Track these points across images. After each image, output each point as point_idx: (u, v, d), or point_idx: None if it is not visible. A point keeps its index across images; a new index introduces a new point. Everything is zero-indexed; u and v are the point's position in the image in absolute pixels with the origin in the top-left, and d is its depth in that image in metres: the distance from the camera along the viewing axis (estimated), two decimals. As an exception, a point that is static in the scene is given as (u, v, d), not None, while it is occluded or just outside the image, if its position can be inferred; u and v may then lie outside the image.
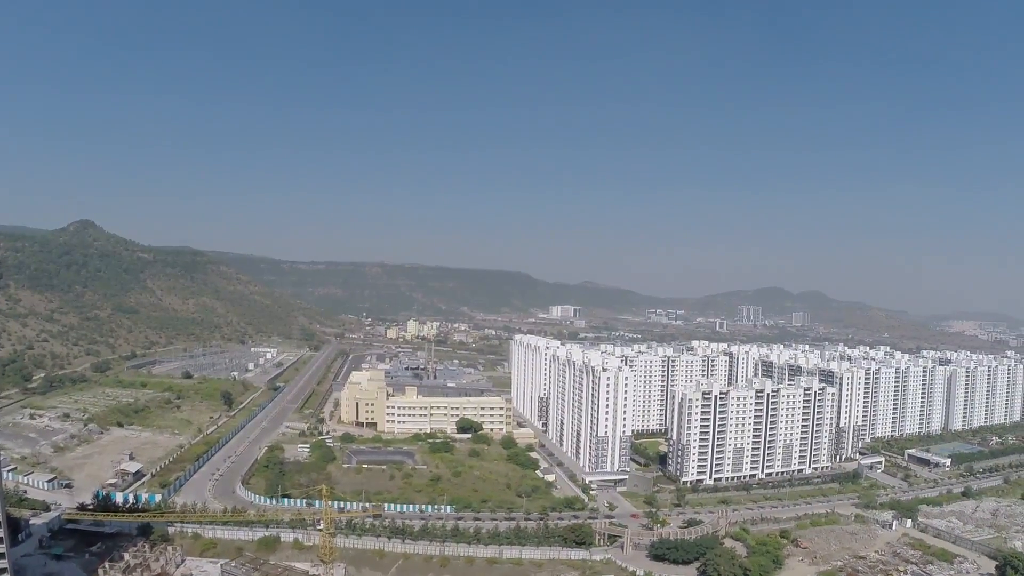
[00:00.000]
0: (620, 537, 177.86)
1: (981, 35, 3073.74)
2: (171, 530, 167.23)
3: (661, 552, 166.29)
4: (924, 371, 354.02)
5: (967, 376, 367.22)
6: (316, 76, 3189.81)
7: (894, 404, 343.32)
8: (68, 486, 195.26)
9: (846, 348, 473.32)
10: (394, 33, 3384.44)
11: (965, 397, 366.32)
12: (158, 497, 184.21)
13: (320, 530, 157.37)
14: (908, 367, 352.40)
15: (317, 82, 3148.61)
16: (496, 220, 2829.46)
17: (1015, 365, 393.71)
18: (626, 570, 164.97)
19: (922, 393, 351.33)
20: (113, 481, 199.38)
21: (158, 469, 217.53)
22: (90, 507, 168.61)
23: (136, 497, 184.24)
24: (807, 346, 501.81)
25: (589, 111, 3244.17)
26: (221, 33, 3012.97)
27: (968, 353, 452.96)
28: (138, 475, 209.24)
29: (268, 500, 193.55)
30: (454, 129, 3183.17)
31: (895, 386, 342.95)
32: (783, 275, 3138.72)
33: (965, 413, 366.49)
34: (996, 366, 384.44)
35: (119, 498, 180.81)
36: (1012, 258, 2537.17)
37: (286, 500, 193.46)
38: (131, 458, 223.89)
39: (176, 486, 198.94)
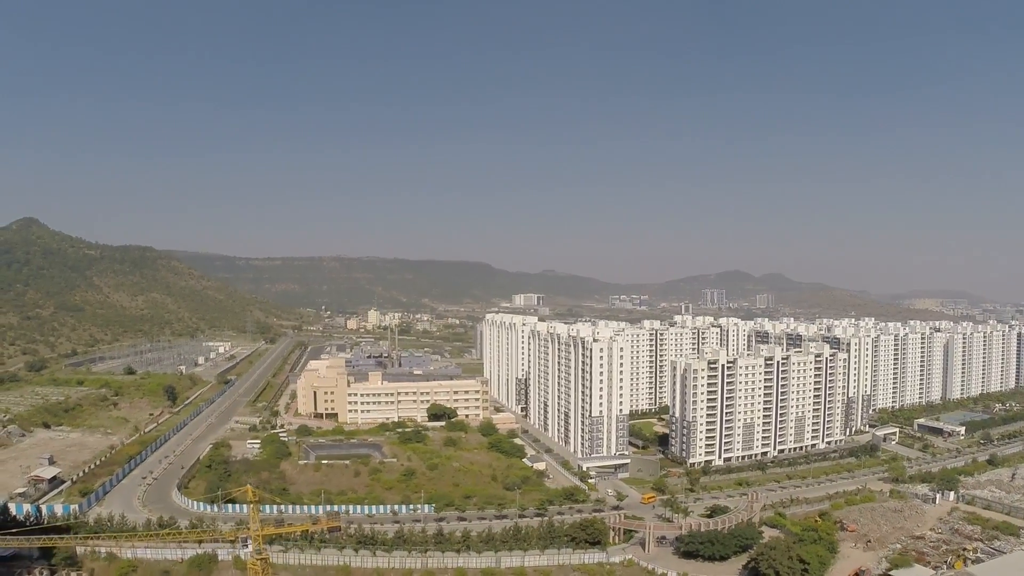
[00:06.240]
0: (637, 532, 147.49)
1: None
2: (81, 550, 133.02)
3: (693, 548, 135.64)
4: (923, 339, 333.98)
5: (964, 343, 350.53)
6: (268, 70, 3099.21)
7: (894, 374, 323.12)
8: None
9: (833, 321, 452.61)
10: (347, 20, 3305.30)
11: (963, 365, 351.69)
12: (73, 508, 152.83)
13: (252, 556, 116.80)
14: (907, 335, 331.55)
15: (269, 75, 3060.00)
16: (455, 211, 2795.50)
17: (1009, 332, 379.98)
18: (654, 573, 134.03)
19: (921, 361, 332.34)
20: (23, 490, 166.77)
21: (80, 474, 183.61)
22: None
23: (45, 509, 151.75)
24: (792, 320, 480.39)
25: (544, 100, 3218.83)
26: (171, 27, 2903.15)
27: (953, 323, 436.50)
28: (55, 482, 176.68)
29: (208, 507, 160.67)
30: (408, 121, 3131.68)
31: (895, 355, 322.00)
32: (744, 258, 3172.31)
33: (963, 381, 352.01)
34: (991, 332, 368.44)
35: (26, 509, 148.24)
36: (969, 236, 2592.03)
37: (229, 506, 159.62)
38: (51, 462, 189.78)
39: (99, 493, 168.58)
